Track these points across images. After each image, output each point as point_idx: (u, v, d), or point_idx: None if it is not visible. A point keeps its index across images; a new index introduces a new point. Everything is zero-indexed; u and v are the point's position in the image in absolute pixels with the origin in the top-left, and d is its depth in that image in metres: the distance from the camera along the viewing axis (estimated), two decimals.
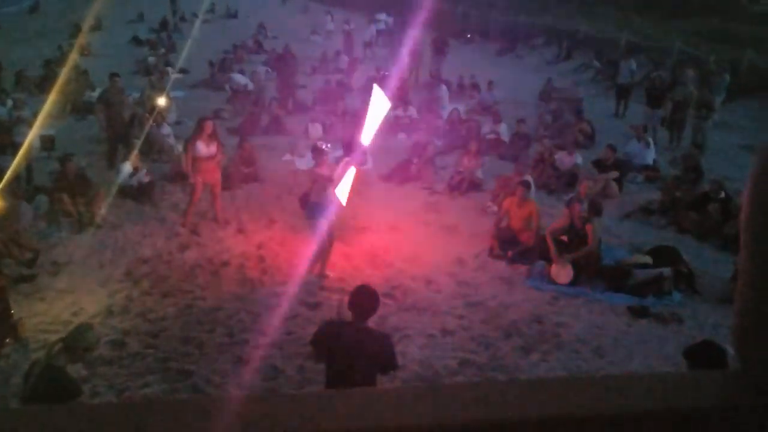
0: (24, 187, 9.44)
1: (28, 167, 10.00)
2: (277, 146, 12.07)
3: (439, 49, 19.32)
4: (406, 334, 6.26)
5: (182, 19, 28.40)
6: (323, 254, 7.28)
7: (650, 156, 11.22)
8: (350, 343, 3.84)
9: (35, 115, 11.18)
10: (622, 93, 15.38)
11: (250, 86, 15.83)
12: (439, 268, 7.67)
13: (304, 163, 11.31)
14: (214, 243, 8.18)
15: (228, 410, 0.65)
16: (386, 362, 3.93)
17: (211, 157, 8.30)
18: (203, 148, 8.20)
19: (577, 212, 7.44)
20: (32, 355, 5.53)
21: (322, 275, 7.22)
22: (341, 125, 12.86)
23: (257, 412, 0.66)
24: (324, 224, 7.05)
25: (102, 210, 8.74)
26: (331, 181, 6.84)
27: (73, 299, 6.75)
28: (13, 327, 5.93)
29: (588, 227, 7.35)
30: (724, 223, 8.49)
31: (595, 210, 7.84)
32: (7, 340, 5.85)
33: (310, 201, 7.11)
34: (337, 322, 4.24)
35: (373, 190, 10.18)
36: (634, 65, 15.53)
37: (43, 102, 11.63)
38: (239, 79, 15.81)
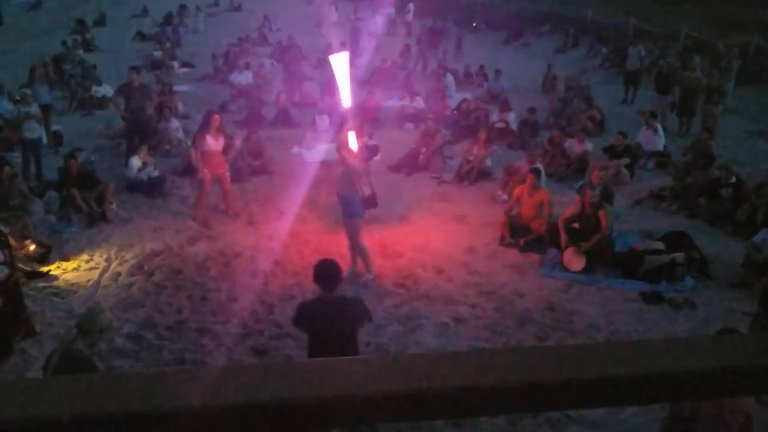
0: (34, 183, 9.48)
1: (38, 163, 10.04)
2: (285, 138, 12.08)
3: (434, 40, 19.38)
4: (418, 323, 6.26)
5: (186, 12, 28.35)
6: (364, 254, 7.04)
7: (660, 142, 11.16)
8: (329, 313, 4.19)
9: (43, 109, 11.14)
10: (631, 79, 15.30)
11: (250, 80, 15.75)
12: (450, 258, 7.66)
13: (312, 155, 11.30)
14: (225, 235, 8.20)
15: (207, 381, 0.64)
16: (363, 317, 4.36)
17: (219, 151, 8.33)
18: (211, 141, 8.22)
19: (589, 198, 7.40)
20: (47, 349, 5.55)
21: (367, 273, 7.02)
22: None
23: (238, 381, 0.65)
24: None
25: (113, 205, 8.77)
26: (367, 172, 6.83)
27: (86, 293, 6.78)
28: (26, 322, 5.96)
29: (600, 213, 7.32)
30: (736, 208, 8.46)
31: (607, 196, 7.81)
32: (21, 335, 5.87)
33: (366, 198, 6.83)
34: (312, 300, 4.58)
35: (382, 180, 10.13)
36: (642, 51, 15.43)
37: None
38: (239, 78, 15.74)
